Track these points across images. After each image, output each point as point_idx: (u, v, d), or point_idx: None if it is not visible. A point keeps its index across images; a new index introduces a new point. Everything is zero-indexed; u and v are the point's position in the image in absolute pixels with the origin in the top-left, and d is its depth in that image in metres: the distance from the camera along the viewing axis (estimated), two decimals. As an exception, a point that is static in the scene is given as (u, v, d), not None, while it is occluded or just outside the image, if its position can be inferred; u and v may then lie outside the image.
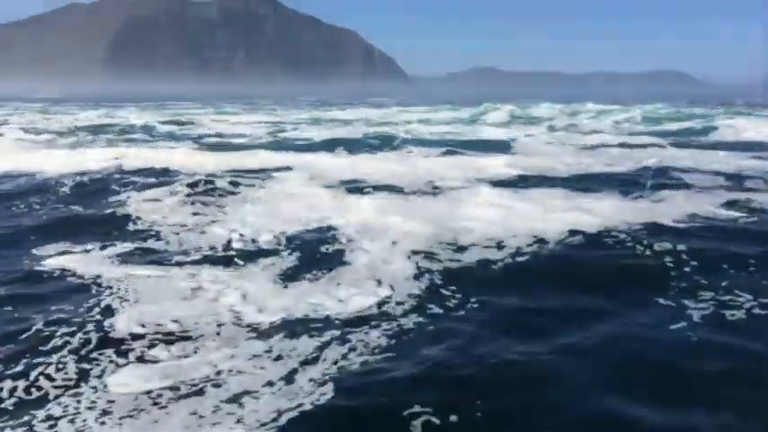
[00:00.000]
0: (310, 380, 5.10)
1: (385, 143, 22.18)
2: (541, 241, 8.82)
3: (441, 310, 6.64)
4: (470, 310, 6.69)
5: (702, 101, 74.21)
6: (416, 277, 7.57)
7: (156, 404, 4.78)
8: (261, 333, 6.07)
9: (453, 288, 7.24)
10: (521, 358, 5.52)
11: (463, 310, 6.69)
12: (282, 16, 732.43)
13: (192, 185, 12.81)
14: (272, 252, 8.74)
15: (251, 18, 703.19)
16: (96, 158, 17.14)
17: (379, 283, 7.35)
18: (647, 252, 8.34)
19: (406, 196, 12.31)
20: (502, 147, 22.06)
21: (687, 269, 7.71)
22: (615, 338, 5.95)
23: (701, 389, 5.10)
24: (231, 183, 13.21)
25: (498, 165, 16.08)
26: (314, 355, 5.57)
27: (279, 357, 5.52)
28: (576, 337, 5.96)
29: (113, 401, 4.84)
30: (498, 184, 13.64)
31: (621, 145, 23.57)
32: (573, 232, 9.11)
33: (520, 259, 8.21)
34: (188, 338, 5.94)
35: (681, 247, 8.35)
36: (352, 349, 5.68)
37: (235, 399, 4.82)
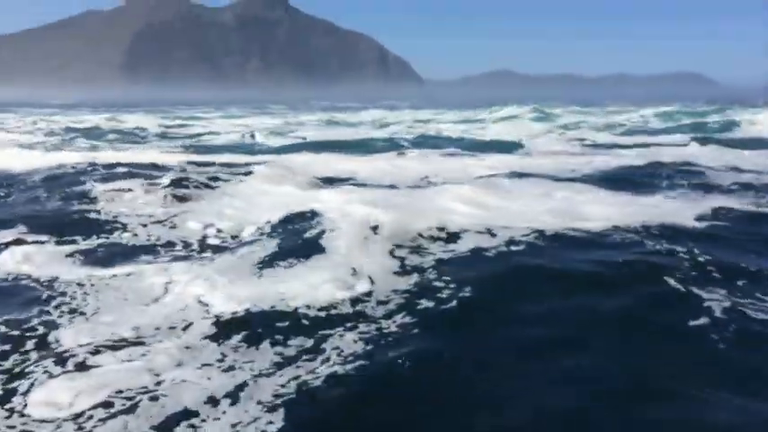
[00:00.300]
0: (260, 400, 4.43)
1: (385, 145, 21.11)
2: (508, 239, 7.96)
3: (409, 302, 6.14)
4: (443, 306, 6.06)
5: (722, 101, 72.37)
6: (386, 266, 7.10)
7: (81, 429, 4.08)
8: (221, 337, 5.48)
9: (420, 282, 6.70)
10: (483, 356, 5.07)
11: (434, 304, 6.10)
12: (297, 21, 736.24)
13: (169, 181, 11.95)
14: (246, 243, 8.33)
15: (265, 23, 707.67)
16: (71, 158, 16.16)
17: (353, 273, 6.85)
18: (640, 256, 7.26)
19: (385, 190, 11.53)
20: (507, 147, 20.81)
21: (699, 279, 6.45)
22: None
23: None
24: (210, 178, 12.54)
25: (493, 164, 15.05)
26: (276, 360, 5.03)
27: (232, 367, 4.91)
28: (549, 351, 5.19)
29: (32, 423, 4.17)
30: (487, 182, 12.54)
31: (635, 145, 22.31)
32: (542, 232, 8.18)
33: (487, 253, 7.58)
34: (140, 344, 5.29)
35: (685, 249, 7.19)
36: (317, 351, 5.13)
37: (175, 416, 4.20)
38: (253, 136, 24.32)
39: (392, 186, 12.17)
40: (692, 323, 5.52)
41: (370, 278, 6.66)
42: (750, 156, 17.64)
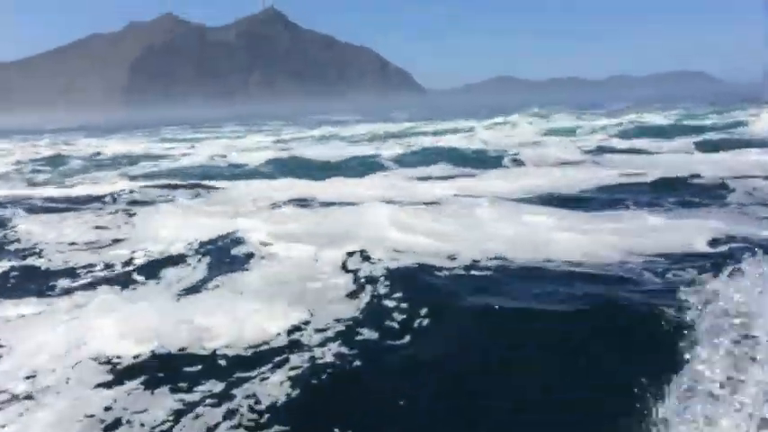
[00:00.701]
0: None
1: (366, 164, 19.50)
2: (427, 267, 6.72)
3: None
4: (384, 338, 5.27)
5: (725, 100, 70.55)
6: (322, 295, 6.26)
7: None
8: (116, 383, 4.84)
9: (360, 312, 5.83)
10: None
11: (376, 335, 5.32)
12: (297, 36, 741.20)
13: (101, 203, 10.72)
14: (169, 272, 7.75)
15: (266, 40, 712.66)
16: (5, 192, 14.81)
17: (276, 298, 6.12)
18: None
19: (331, 215, 10.06)
20: (493, 161, 19.14)
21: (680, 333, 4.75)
22: None
23: None
24: (146, 200, 11.14)
25: (466, 184, 13.27)
26: (176, 408, 4.39)
27: (118, 422, 4.28)
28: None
29: None
30: (448, 203, 11.11)
31: (632, 150, 20.73)
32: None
33: (429, 283, 6.41)
34: (27, 398, 4.68)
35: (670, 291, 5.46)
36: (228, 398, 4.44)
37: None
38: (224, 156, 22.78)
39: (340, 207, 10.77)
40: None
41: (304, 308, 5.83)
42: (760, 160, 15.81)
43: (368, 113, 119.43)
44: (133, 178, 18.16)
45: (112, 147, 34.16)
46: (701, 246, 7.19)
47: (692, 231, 7.74)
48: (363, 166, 18.76)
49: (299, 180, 15.37)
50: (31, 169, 22.92)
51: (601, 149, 21.41)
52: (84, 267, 8.20)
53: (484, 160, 20.23)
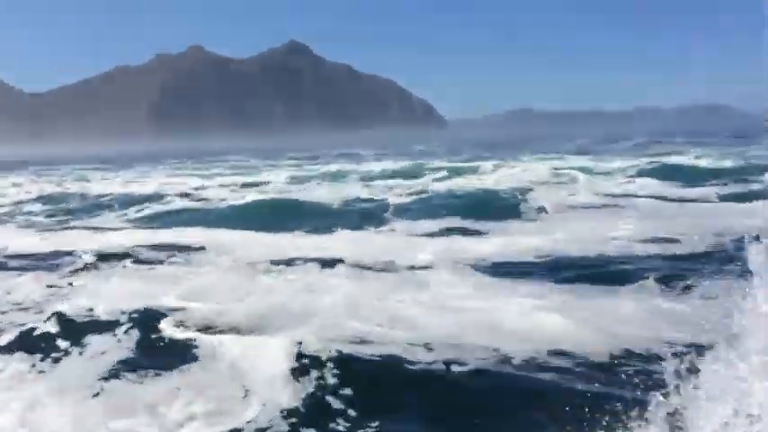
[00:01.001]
0: None
1: (362, 211, 18.32)
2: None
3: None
4: None
5: (754, 134, 68.69)
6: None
7: None
8: None
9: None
10: None
11: None
12: (320, 68, 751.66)
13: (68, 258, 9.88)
14: (93, 351, 6.74)
15: (289, 71, 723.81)
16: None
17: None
18: None
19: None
20: (499, 211, 17.91)
21: None
22: None
23: None
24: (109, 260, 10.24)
25: (462, 246, 12.00)
26: None
27: None
28: None
29: None
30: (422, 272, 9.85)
31: (651, 196, 19.59)
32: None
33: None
34: None
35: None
36: None
37: None
38: (223, 198, 21.88)
39: (300, 278, 9.77)
40: None
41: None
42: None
43: (389, 146, 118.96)
44: (123, 223, 17.51)
45: (119, 184, 33.70)
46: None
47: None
48: (363, 216, 17.47)
49: (273, 236, 14.31)
50: (25, 210, 22.44)
51: (615, 195, 20.31)
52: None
53: (496, 207, 19.18)
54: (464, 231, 14.48)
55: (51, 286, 9.49)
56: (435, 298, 8.02)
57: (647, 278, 8.68)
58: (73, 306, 8.09)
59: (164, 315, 7.71)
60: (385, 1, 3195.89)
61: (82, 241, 13.97)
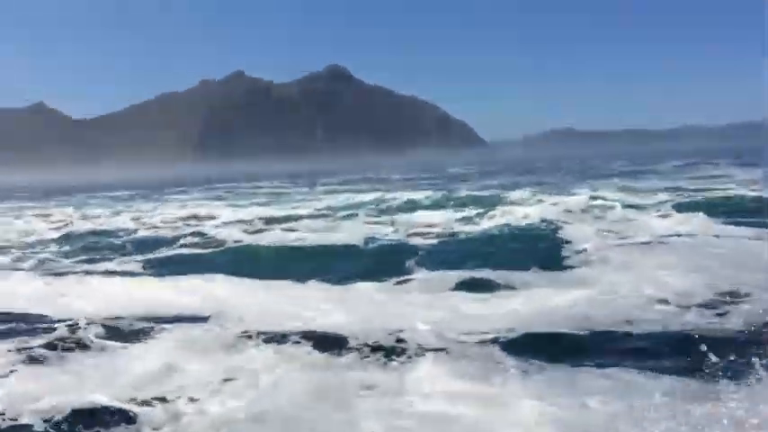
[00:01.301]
0: None
1: (378, 261, 16.74)
2: None
3: None
4: None
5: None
6: None
7: None
8: None
9: None
10: None
11: None
12: (359, 91, 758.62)
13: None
14: None
15: (329, 95, 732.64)
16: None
17: None
18: None
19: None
20: (542, 254, 16.29)
21: None
22: None
23: None
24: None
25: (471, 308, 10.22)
26: None
27: None
28: None
29: None
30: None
31: (709, 236, 17.62)
32: None
33: None
34: None
35: None
36: None
37: None
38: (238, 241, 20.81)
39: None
40: None
41: None
42: None
43: (428, 169, 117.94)
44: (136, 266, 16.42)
45: (152, 215, 32.98)
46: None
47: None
48: (380, 263, 15.92)
49: (276, 293, 13.00)
50: (38, 249, 21.71)
51: (662, 234, 18.33)
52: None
53: (529, 248, 17.62)
54: (488, 286, 12.88)
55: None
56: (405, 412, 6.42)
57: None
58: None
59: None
60: (424, 25, 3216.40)
61: (60, 301, 12.92)
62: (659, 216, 22.05)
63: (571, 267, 14.58)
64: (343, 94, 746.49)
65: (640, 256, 15.27)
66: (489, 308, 10.77)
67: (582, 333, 9.07)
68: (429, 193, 36.36)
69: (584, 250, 16.25)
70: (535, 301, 11.06)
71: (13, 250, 21.65)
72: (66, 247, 22.25)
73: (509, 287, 12.66)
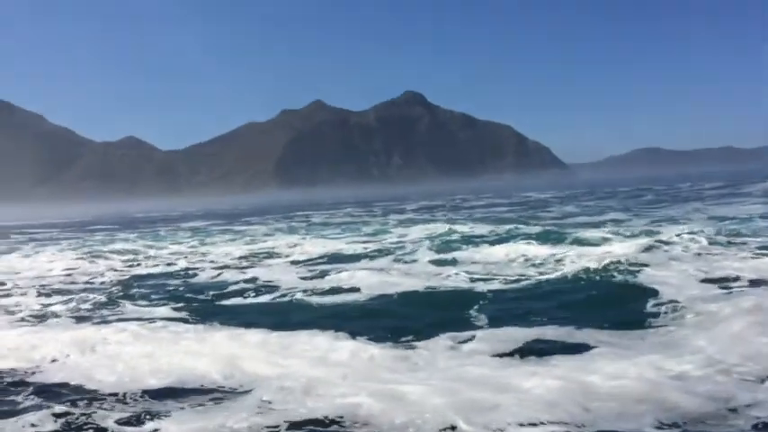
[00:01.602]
0: None
1: (425, 325, 14.46)
2: None
3: None
4: None
5: None
6: None
7: None
8: None
9: None
10: None
11: None
12: (436, 116, 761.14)
13: None
14: None
15: (405, 121, 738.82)
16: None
17: None
18: None
19: None
20: (625, 306, 14.19)
21: None
22: None
23: None
24: None
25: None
26: None
27: None
28: None
29: None
30: None
31: None
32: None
33: None
34: None
35: None
36: None
37: None
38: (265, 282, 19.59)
39: None
40: None
41: None
42: None
43: (504, 194, 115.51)
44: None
45: (205, 250, 32.73)
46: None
47: None
48: (439, 321, 14.12)
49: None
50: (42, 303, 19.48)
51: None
52: None
53: (606, 298, 15.53)
54: (561, 347, 11.02)
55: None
56: None
57: None
58: None
59: None
60: (499, 47, 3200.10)
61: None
62: (756, 252, 19.33)
63: (657, 326, 12.41)
64: (419, 119, 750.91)
65: (747, 310, 12.88)
66: (557, 380, 8.89)
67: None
68: (494, 227, 34.39)
69: (675, 302, 14.03)
70: (609, 377, 9.14)
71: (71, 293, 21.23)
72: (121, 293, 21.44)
73: (585, 349, 10.79)
